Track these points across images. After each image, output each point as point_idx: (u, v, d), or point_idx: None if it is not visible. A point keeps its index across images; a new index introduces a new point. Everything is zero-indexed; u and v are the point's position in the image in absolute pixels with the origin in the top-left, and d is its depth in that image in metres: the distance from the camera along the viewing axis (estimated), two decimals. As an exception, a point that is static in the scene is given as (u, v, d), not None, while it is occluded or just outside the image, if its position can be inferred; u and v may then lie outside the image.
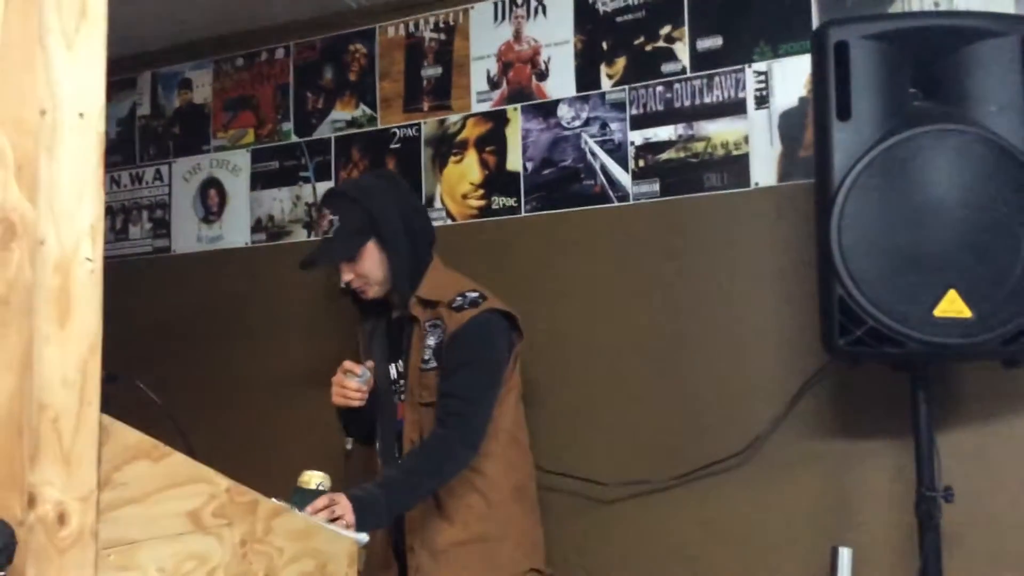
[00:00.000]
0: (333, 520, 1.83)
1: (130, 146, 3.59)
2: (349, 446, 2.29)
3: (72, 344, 1.02)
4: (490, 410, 2.20)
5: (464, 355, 2.19)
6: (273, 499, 1.44)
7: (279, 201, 3.27)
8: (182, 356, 3.33)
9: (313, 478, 1.93)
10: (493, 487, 2.23)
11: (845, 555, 2.21)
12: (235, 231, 3.34)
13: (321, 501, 1.87)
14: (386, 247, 2.24)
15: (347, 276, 2.27)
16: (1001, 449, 2.24)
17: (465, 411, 2.15)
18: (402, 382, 2.30)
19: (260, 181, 3.32)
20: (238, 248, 3.33)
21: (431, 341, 2.23)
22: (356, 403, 2.19)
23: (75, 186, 1.03)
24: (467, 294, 2.25)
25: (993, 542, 2.23)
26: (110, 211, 3.59)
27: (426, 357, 2.23)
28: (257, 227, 3.30)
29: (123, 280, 3.44)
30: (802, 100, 2.52)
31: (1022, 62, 1.96)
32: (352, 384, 2.19)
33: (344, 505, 1.89)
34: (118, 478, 1.11)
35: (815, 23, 2.49)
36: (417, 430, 2.23)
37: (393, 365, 2.34)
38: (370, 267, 2.26)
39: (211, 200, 3.41)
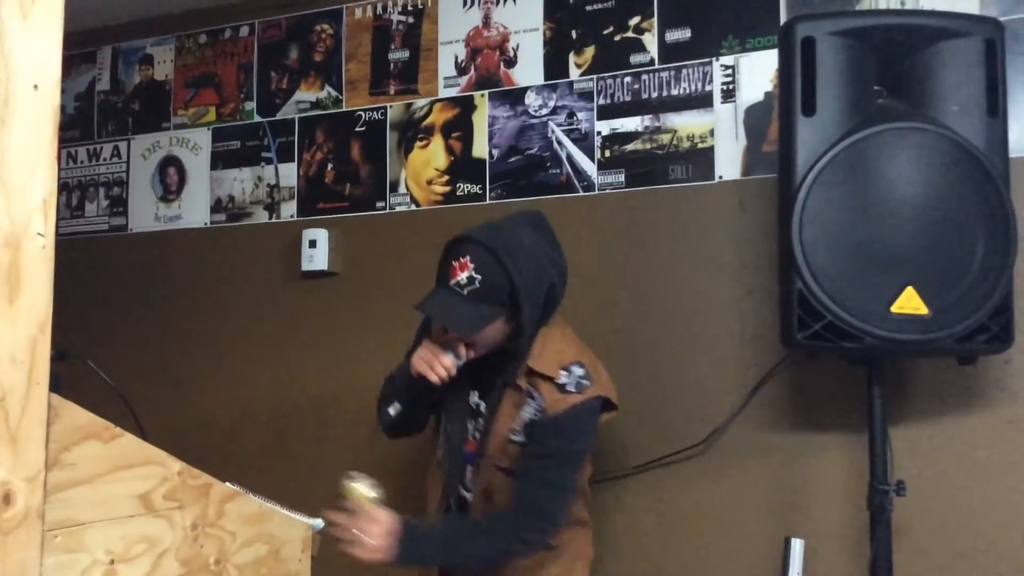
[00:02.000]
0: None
1: (88, 121, 3.52)
2: (393, 412, 2.09)
3: (21, 321, 1.00)
4: (571, 499, 2.07)
5: (559, 445, 2.01)
6: (227, 483, 1.43)
7: (240, 182, 3.23)
8: (137, 337, 3.29)
9: (357, 491, 1.88)
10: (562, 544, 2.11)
11: (797, 546, 2.24)
12: (194, 211, 3.30)
13: (353, 522, 1.84)
14: (517, 321, 2.01)
15: (460, 349, 2.01)
16: (953, 445, 2.28)
17: (551, 508, 1.99)
18: (479, 422, 2.10)
19: (221, 160, 3.27)
20: (197, 228, 3.29)
21: (526, 414, 2.03)
22: (436, 380, 1.99)
23: (27, 160, 1.01)
24: (572, 369, 2.02)
25: (943, 535, 2.26)
26: (66, 187, 3.52)
27: (516, 428, 2.03)
28: (217, 207, 3.26)
29: (78, 258, 3.39)
30: (768, 95, 2.54)
31: (985, 63, 1.98)
32: (447, 361, 1.99)
33: (379, 530, 1.86)
34: (66, 459, 1.09)
35: (783, 18, 2.50)
36: (486, 483, 2.07)
37: (474, 393, 2.13)
38: (489, 337, 2.01)
39: (170, 179, 3.35)
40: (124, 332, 3.30)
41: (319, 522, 1.72)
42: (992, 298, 1.91)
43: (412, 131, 2.97)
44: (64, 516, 1.09)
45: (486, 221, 2.05)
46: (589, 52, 2.76)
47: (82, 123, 3.52)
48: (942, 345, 1.93)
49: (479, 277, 1.94)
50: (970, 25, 2.03)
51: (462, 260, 1.97)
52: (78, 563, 1.12)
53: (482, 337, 2.00)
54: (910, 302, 1.90)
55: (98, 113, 3.51)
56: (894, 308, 1.90)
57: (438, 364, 1.99)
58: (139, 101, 3.44)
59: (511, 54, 2.86)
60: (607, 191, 2.69)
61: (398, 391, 2.11)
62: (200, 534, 1.32)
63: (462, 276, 1.95)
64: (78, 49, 3.51)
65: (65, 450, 1.09)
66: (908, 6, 2.41)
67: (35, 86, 1.02)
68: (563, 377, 2.00)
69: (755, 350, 2.45)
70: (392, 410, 2.10)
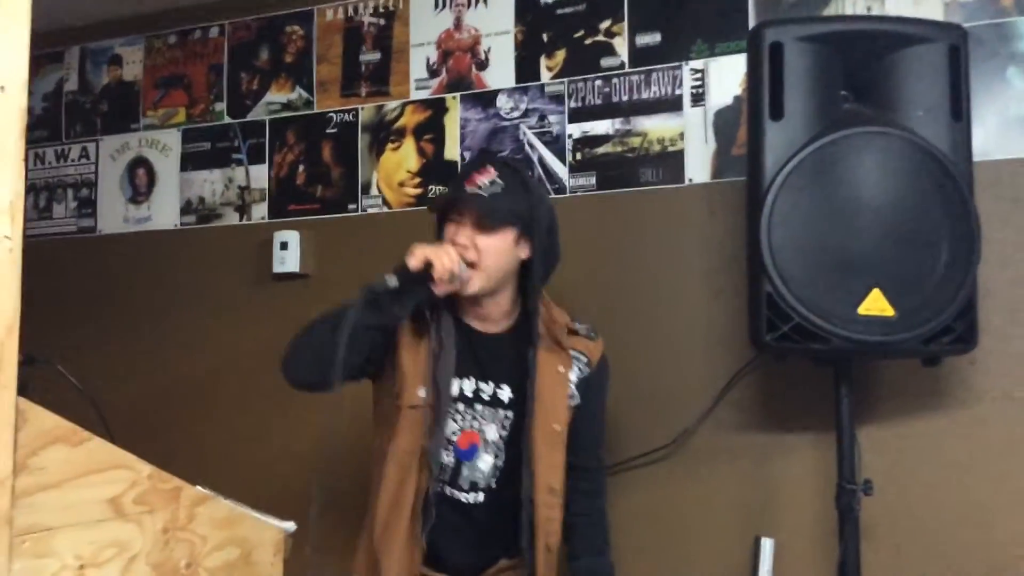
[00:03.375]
0: None
1: (56, 122, 3.48)
2: (394, 283, 1.80)
3: (-12, 324, 0.99)
4: None
5: (605, 397, 2.10)
6: (197, 486, 1.42)
7: (210, 183, 3.21)
8: (106, 340, 3.26)
9: None
10: None
11: (767, 545, 2.26)
12: (164, 213, 3.27)
13: None
14: (533, 249, 1.95)
15: (463, 239, 1.88)
16: (919, 444, 2.31)
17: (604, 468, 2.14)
18: (478, 408, 1.96)
19: (191, 162, 3.25)
20: (167, 230, 3.26)
21: (573, 375, 2.01)
22: (441, 271, 1.80)
23: (-6, 161, 1.00)
24: (577, 321, 2.08)
25: (910, 534, 2.30)
26: (33, 189, 3.48)
27: (571, 392, 2.01)
28: (187, 209, 3.24)
29: (46, 260, 3.36)
30: (737, 99, 2.56)
31: (949, 68, 2.01)
32: (455, 256, 1.83)
33: None
34: (34, 463, 1.08)
35: (751, 23, 2.53)
36: (552, 478, 1.95)
37: (460, 381, 1.96)
38: (496, 251, 1.90)
39: (139, 180, 3.33)
40: (93, 335, 3.27)
41: (291, 525, 1.72)
42: (957, 300, 1.93)
43: (384, 133, 2.97)
44: (32, 521, 1.08)
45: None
46: (560, 55, 2.77)
47: (50, 124, 3.48)
48: (908, 346, 1.95)
49: (502, 183, 1.89)
50: (934, 31, 2.06)
51: (486, 168, 1.93)
52: (47, 568, 1.11)
53: (491, 246, 1.89)
54: (876, 304, 1.92)
55: (66, 114, 3.47)
56: (861, 310, 1.92)
57: (445, 256, 1.81)
58: (108, 102, 3.41)
59: (483, 57, 2.87)
60: (578, 194, 2.70)
61: (395, 275, 1.83)
62: (171, 538, 1.31)
63: (484, 180, 1.90)
64: (46, 49, 3.47)
65: (33, 454, 1.08)
66: (874, 12, 2.44)
67: (2, 87, 1.01)
68: (578, 326, 2.05)
69: (724, 352, 2.47)
70: (392, 281, 1.81)
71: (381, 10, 3.02)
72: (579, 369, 2.03)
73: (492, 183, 1.89)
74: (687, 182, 2.60)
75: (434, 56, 2.94)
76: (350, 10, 3.06)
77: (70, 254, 3.38)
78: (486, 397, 1.97)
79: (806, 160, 1.96)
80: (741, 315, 2.22)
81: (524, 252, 1.95)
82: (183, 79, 3.29)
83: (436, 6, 2.94)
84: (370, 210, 2.96)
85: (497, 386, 1.98)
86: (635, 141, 2.66)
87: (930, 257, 1.93)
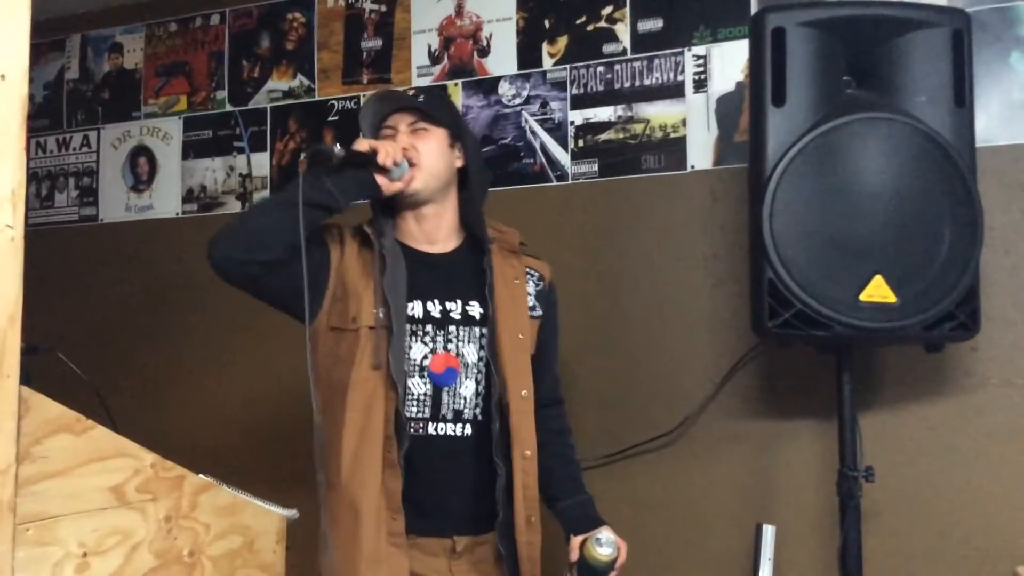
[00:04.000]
0: None
1: (57, 110, 3.48)
2: (340, 152, 1.77)
3: (-10, 314, 0.99)
4: None
5: (558, 322, 2.04)
6: (200, 475, 1.42)
7: (212, 171, 3.20)
8: (109, 328, 3.26)
9: (604, 551, 1.74)
10: None
11: (769, 532, 2.26)
12: (165, 201, 3.27)
13: None
14: (460, 150, 1.93)
15: (403, 138, 1.87)
16: (920, 431, 2.31)
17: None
18: (451, 330, 1.86)
19: (192, 150, 3.25)
20: (168, 218, 3.26)
21: (530, 288, 1.96)
22: (385, 160, 1.78)
23: (-5, 150, 1.00)
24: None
25: (910, 520, 2.30)
26: (35, 177, 3.48)
27: (530, 303, 1.95)
28: (188, 197, 3.24)
29: (47, 249, 3.36)
30: (739, 85, 2.55)
31: (952, 54, 2.00)
32: (397, 148, 1.82)
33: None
34: (38, 451, 1.08)
35: (754, 9, 2.52)
36: (524, 382, 1.86)
37: (424, 303, 1.86)
38: (434, 152, 1.88)
39: (141, 168, 3.33)
40: (95, 324, 3.28)
41: (294, 512, 1.72)
42: (959, 286, 1.93)
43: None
44: (36, 509, 1.08)
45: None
46: (562, 42, 2.76)
47: (51, 112, 3.48)
48: (910, 333, 1.95)
49: (424, 94, 2.04)
50: (937, 16, 2.05)
51: (404, 90, 2.07)
52: (50, 556, 1.12)
53: (429, 151, 1.87)
54: (878, 290, 1.92)
55: (67, 102, 3.47)
56: (863, 296, 1.92)
57: (389, 146, 1.81)
58: (109, 90, 3.41)
59: (484, 43, 2.86)
60: (580, 180, 2.70)
61: (341, 152, 1.78)
62: (174, 526, 1.32)
63: (403, 92, 2.04)
64: (47, 37, 3.47)
65: (36, 443, 1.08)
66: (877, -3, 2.42)
67: (2, 76, 1.01)
68: (524, 247, 2.01)
69: (726, 338, 2.47)
70: (337, 149, 1.78)
71: (382, -3, 3.01)
72: (534, 283, 1.98)
73: (414, 95, 1.96)
74: (689, 169, 2.59)
75: (436, 43, 2.93)
76: (351, -3, 3.05)
77: (72, 243, 3.38)
78: (456, 316, 1.88)
79: (808, 146, 1.96)
80: (743, 302, 2.22)
81: (459, 160, 1.94)
82: (184, 67, 3.29)
83: (437, -8, 2.93)
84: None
85: (466, 303, 1.89)
86: (637, 128, 2.65)
87: (932, 244, 1.93)
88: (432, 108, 1.92)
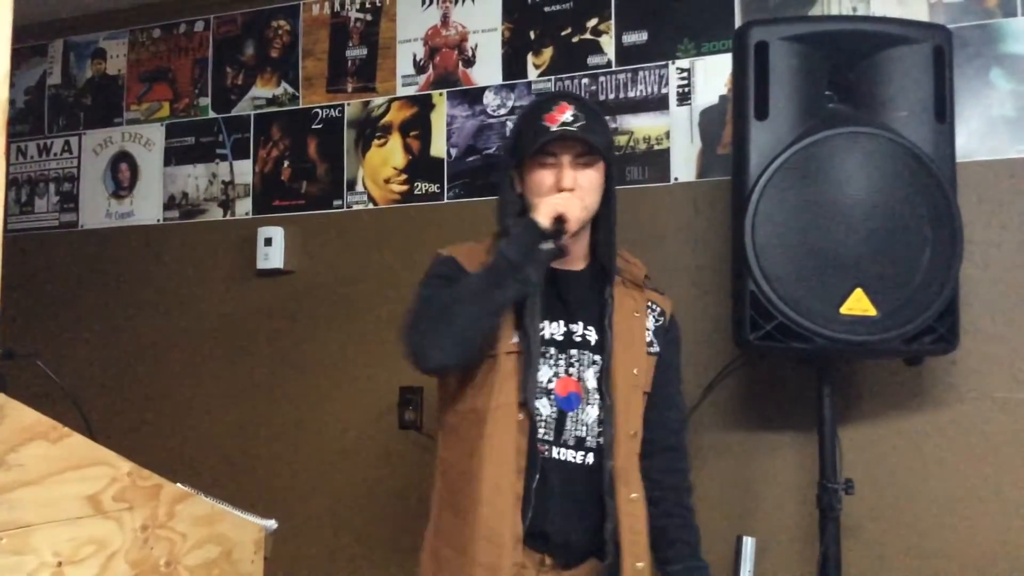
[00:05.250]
0: None
1: (38, 116, 3.46)
2: (551, 247, 1.73)
3: (-34, 319, 0.98)
4: None
5: (680, 357, 1.95)
6: (178, 484, 1.41)
7: (194, 178, 3.19)
8: (88, 335, 3.24)
9: None
10: None
11: (749, 544, 2.27)
12: (146, 207, 3.25)
13: None
14: (610, 181, 1.84)
15: (568, 181, 1.75)
16: (900, 444, 2.32)
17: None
18: (572, 352, 1.82)
19: (174, 157, 3.23)
20: (149, 225, 3.24)
21: (650, 323, 1.90)
22: (574, 223, 1.73)
23: (-27, 154, 0.99)
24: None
25: (890, 533, 2.31)
26: (15, 183, 3.45)
27: (648, 339, 1.88)
28: (170, 204, 3.22)
29: (27, 255, 3.33)
30: (722, 98, 2.56)
31: (933, 69, 2.02)
32: (576, 201, 1.74)
33: None
34: (13, 459, 1.07)
35: (737, 23, 2.53)
36: (634, 423, 1.82)
37: (550, 324, 1.82)
38: (595, 187, 1.80)
39: (122, 175, 3.31)
40: (74, 331, 3.25)
41: (272, 523, 1.71)
42: (939, 300, 1.94)
43: (370, 129, 2.96)
44: (10, 517, 1.07)
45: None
46: (547, 53, 2.77)
47: (32, 117, 3.46)
48: (890, 346, 1.96)
49: (583, 114, 1.78)
50: (919, 32, 2.07)
51: (560, 104, 1.80)
52: (25, 565, 1.10)
53: (591, 188, 1.79)
54: (859, 303, 1.93)
55: (49, 107, 3.45)
56: (843, 309, 1.93)
57: (573, 205, 1.73)
58: (91, 95, 3.39)
59: (469, 54, 2.86)
60: (564, 191, 2.70)
61: (542, 236, 1.71)
62: (150, 536, 1.30)
63: (566, 115, 1.77)
64: (28, 42, 3.45)
65: (12, 451, 1.07)
66: (859, 12, 2.45)
67: (-18, 80, 1.00)
68: (649, 283, 1.94)
69: (708, 350, 2.48)
70: (546, 246, 1.71)
71: (368, 5, 3.01)
72: (655, 318, 1.91)
73: (575, 117, 1.77)
74: (673, 181, 2.60)
75: (421, 52, 2.93)
76: (336, 5, 3.05)
77: (52, 249, 3.35)
78: (577, 339, 1.83)
79: (791, 160, 1.97)
80: (725, 314, 2.22)
81: (606, 183, 1.85)
82: (167, 73, 3.27)
83: (423, 2, 2.94)
84: (355, 207, 2.96)
85: (585, 327, 1.84)
86: (621, 139, 2.66)
87: (913, 257, 1.94)
88: (596, 135, 1.78)
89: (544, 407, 1.78)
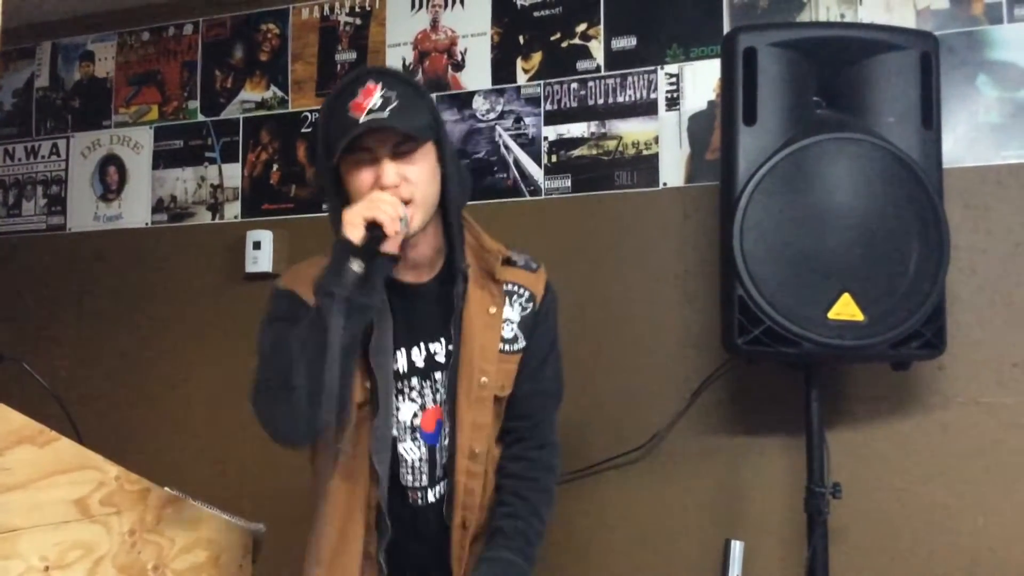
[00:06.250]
0: None
1: (26, 118, 3.44)
2: (360, 268, 1.44)
3: (-47, 323, 0.97)
4: None
5: (555, 336, 1.71)
6: (166, 488, 1.41)
7: (183, 181, 3.18)
8: (75, 339, 3.22)
9: None
10: None
11: (737, 548, 2.27)
12: (135, 210, 3.24)
13: None
14: (444, 163, 1.60)
15: (390, 177, 1.51)
16: (887, 448, 2.33)
17: (555, 421, 1.70)
18: (436, 376, 1.64)
19: (163, 160, 3.22)
20: (138, 228, 3.23)
21: (513, 313, 1.67)
22: (392, 228, 1.47)
23: (-39, 157, 0.98)
24: (512, 251, 1.73)
25: (877, 537, 2.32)
26: (2, 185, 3.44)
27: (508, 335, 1.66)
28: (159, 207, 3.21)
29: (14, 258, 3.32)
30: (711, 104, 2.57)
31: (920, 76, 2.04)
32: (390, 199, 1.49)
33: None
34: (0, 463, 1.07)
35: (726, 28, 2.54)
36: (486, 439, 1.64)
37: (409, 351, 1.64)
38: (426, 175, 1.56)
39: (110, 177, 3.29)
40: (61, 334, 3.23)
41: (260, 527, 1.71)
42: (926, 305, 1.95)
43: (359, 133, 2.95)
44: (-4, 522, 1.07)
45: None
46: (536, 58, 2.78)
47: (20, 120, 3.44)
48: (877, 351, 1.97)
49: (394, 92, 1.52)
50: (907, 39, 2.08)
51: (366, 87, 1.52)
52: (11, 570, 1.10)
53: (419, 172, 1.55)
54: (846, 308, 1.94)
55: (37, 110, 3.43)
56: (831, 314, 1.94)
57: (385, 205, 1.47)
58: (79, 98, 3.37)
59: (459, 58, 2.87)
60: (553, 196, 2.71)
61: (359, 252, 1.46)
62: (138, 540, 1.30)
63: (374, 99, 1.50)
64: (16, 44, 3.43)
65: (-2, 455, 1.07)
66: (847, 19, 2.46)
67: (-30, 83, 1.00)
68: (520, 259, 1.72)
69: (696, 355, 2.49)
70: (356, 267, 1.44)
71: (357, 9, 3.01)
72: (520, 306, 1.69)
73: (384, 99, 1.51)
74: (661, 186, 2.61)
75: (410, 57, 2.93)
76: (326, 9, 3.05)
77: (39, 252, 3.34)
78: (440, 359, 1.65)
79: (779, 165, 1.98)
80: (713, 318, 2.23)
81: (440, 166, 1.62)
82: (156, 76, 3.26)
83: (413, 6, 2.94)
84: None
85: (448, 343, 1.65)
86: (610, 144, 2.67)
87: (900, 263, 1.95)
88: (412, 117, 1.53)
89: (410, 451, 1.63)
